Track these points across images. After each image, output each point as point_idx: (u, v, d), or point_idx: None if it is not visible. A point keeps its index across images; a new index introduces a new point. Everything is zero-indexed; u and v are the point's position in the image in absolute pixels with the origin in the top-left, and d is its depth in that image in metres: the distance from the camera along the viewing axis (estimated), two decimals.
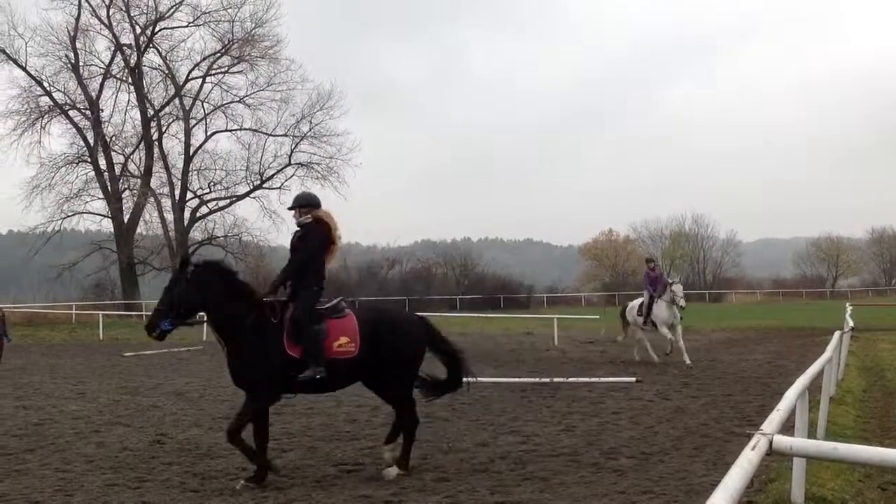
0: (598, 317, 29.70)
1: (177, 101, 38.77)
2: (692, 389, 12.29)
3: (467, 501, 6.02)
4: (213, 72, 39.18)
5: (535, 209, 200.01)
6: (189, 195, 39.38)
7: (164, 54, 38.50)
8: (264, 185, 39.91)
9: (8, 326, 20.06)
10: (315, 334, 6.54)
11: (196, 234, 40.20)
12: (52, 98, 37.40)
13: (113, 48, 38.15)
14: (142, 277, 39.24)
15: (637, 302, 17.08)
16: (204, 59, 38.88)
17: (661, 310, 16.08)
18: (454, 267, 59.01)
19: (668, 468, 6.96)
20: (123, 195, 38.19)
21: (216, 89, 39.47)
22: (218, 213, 40.10)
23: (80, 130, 37.71)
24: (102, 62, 38.51)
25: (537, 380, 13.43)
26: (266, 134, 39.73)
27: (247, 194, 39.63)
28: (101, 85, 38.10)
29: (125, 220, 37.88)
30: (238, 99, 39.34)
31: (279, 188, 39.81)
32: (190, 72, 39.04)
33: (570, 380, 13.36)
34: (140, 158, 38.80)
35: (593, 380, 13.36)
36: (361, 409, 10.41)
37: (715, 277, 70.72)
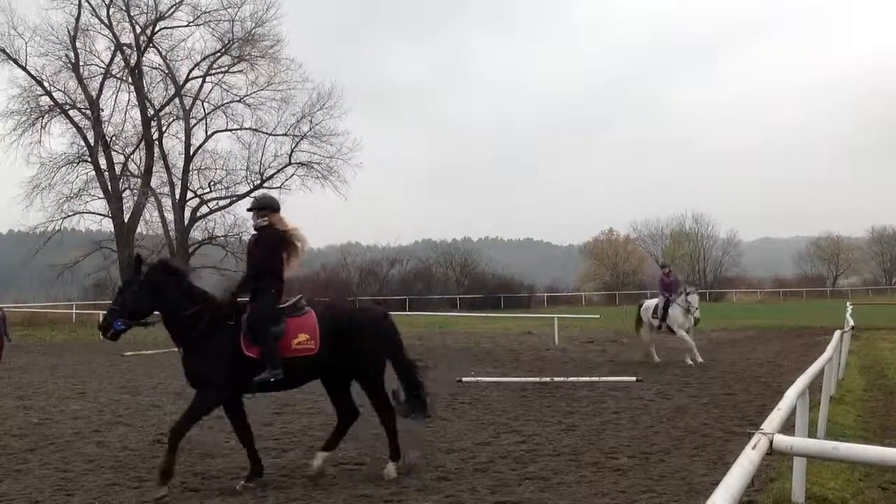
0: (598, 316, 29.76)
1: (177, 100, 38.75)
2: (693, 389, 12.29)
3: (468, 501, 6.03)
4: (214, 71, 39.17)
5: (536, 209, 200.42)
6: (189, 195, 39.37)
7: (164, 54, 38.50)
8: (265, 185, 39.87)
9: (8, 326, 20.11)
10: (271, 336, 6.47)
11: (196, 233, 40.20)
12: (52, 98, 37.39)
13: (113, 48, 38.15)
14: None
15: (652, 302, 16.97)
16: (204, 58, 38.87)
17: (677, 313, 16.03)
18: (454, 266, 59.04)
19: (668, 467, 6.96)
20: (124, 195, 38.17)
21: (216, 89, 39.48)
22: (218, 213, 40.09)
23: (80, 130, 37.69)
24: (102, 62, 38.52)
25: (538, 379, 13.42)
26: (266, 133, 39.73)
27: (247, 194, 39.56)
28: (102, 84, 38.09)
29: (125, 220, 37.84)
30: (238, 98, 39.32)
31: (279, 188, 39.76)
32: (190, 71, 39.05)
33: (571, 379, 13.36)
34: (140, 158, 38.79)
35: (594, 379, 13.36)
36: (362, 409, 10.40)
37: (715, 277, 70.68)
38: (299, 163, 39.98)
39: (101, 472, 7.06)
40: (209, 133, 39.67)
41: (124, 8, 37.29)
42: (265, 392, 6.89)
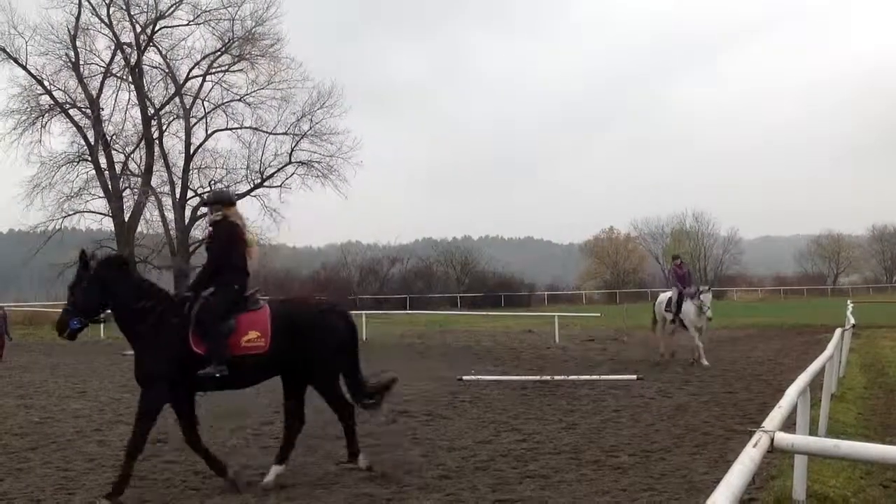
0: (598, 314, 29.75)
1: (177, 99, 38.72)
2: (693, 387, 12.29)
3: (469, 499, 6.03)
4: (214, 70, 39.13)
5: (536, 207, 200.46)
6: (190, 194, 39.32)
7: (164, 53, 38.45)
8: (265, 184, 39.89)
9: (9, 325, 20.14)
10: (220, 331, 6.28)
11: (197, 232, 40.14)
12: (52, 97, 37.36)
13: (113, 47, 38.11)
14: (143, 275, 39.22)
15: (666, 296, 16.73)
16: (204, 57, 38.84)
17: (690, 310, 15.80)
18: (455, 265, 59.02)
19: (669, 466, 6.96)
20: (124, 194, 38.14)
21: (216, 88, 39.42)
22: None
23: (80, 129, 37.67)
24: (103, 61, 38.48)
25: (538, 378, 13.43)
26: (266, 132, 39.68)
27: (247, 193, 39.55)
28: (102, 84, 38.05)
29: (126, 219, 37.82)
30: (238, 97, 39.28)
31: (280, 186, 39.78)
32: (190, 70, 39.00)
33: (571, 378, 13.37)
34: (140, 157, 38.76)
35: (594, 377, 13.36)
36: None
37: (716, 275, 70.63)
38: (299, 162, 39.96)
39: (103, 471, 7.06)
40: (209, 132, 39.66)
41: (124, 7, 37.28)
42: (217, 391, 6.67)
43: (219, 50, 38.65)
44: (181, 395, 6.52)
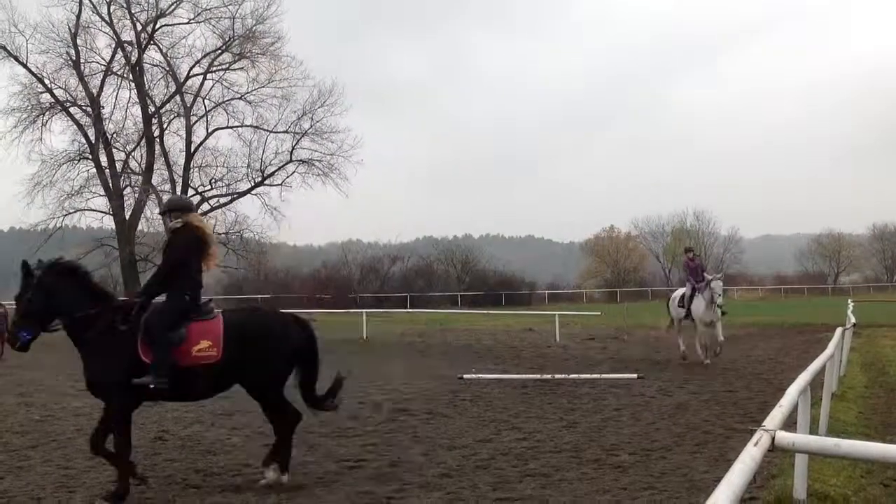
0: (599, 313, 29.75)
1: (178, 97, 38.70)
2: (694, 386, 12.29)
3: (469, 498, 6.03)
4: (214, 68, 39.10)
5: (537, 206, 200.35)
6: (190, 192, 39.29)
7: (164, 51, 38.43)
8: (265, 182, 39.88)
9: (10, 323, 20.12)
10: (166, 341, 6.07)
11: None
12: (53, 95, 37.35)
13: (114, 45, 38.09)
14: (143, 274, 39.19)
15: (679, 293, 16.41)
16: (205, 55, 38.81)
17: (699, 306, 15.31)
18: (456, 263, 59.00)
19: (669, 464, 6.96)
20: (125, 192, 38.12)
21: (217, 86, 39.40)
22: (219, 210, 40.01)
23: (81, 127, 37.66)
24: (103, 59, 38.46)
25: (539, 376, 13.43)
26: (267, 131, 39.66)
27: (248, 191, 39.56)
28: (102, 82, 38.04)
29: (126, 217, 37.83)
30: (239, 96, 39.24)
31: (280, 185, 39.76)
32: (191, 69, 38.97)
33: (572, 376, 13.37)
34: (141, 155, 38.75)
35: (595, 376, 13.36)
36: (363, 406, 10.42)
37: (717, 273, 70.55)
38: (300, 160, 39.93)
39: (103, 469, 7.05)
40: (210, 130, 39.64)
41: (125, 5, 37.25)
42: (167, 401, 6.54)
43: (219, 48, 38.63)
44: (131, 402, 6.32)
